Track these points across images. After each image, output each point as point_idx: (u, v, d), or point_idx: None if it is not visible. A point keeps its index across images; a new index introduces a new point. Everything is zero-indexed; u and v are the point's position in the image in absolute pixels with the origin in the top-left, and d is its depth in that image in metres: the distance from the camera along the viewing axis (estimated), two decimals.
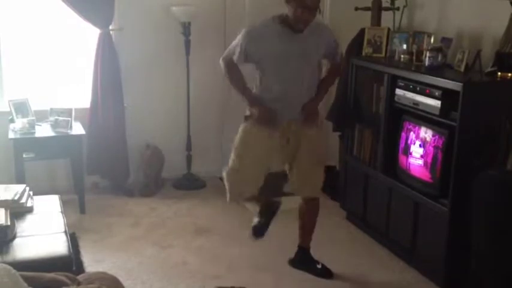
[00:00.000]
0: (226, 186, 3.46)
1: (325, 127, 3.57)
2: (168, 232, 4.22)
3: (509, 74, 3.33)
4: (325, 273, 3.63)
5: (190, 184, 5.07)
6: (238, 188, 3.43)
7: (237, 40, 3.33)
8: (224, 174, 3.47)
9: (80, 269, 3.38)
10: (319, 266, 3.65)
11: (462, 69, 3.53)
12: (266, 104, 3.34)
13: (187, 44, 4.85)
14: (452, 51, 3.74)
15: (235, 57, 3.32)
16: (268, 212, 3.51)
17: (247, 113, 3.44)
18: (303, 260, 3.70)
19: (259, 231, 3.50)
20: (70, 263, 2.90)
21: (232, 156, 3.45)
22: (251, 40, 3.27)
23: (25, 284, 2.00)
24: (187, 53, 4.87)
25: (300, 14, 3.16)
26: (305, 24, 3.22)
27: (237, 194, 3.47)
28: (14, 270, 2.00)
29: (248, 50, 3.27)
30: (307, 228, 3.69)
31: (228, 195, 3.48)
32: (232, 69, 3.39)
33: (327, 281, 3.59)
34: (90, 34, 4.71)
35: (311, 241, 3.71)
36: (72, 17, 4.60)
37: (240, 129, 3.45)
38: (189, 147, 5.08)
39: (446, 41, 3.78)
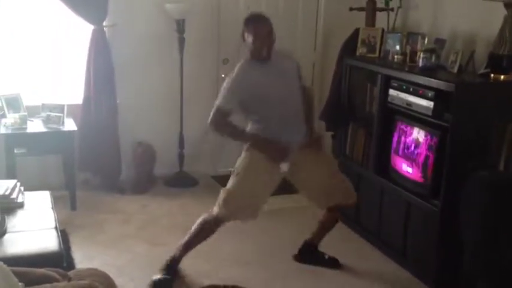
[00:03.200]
0: (222, 204, 3.38)
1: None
2: (159, 230, 4.21)
3: (502, 76, 3.34)
4: (333, 263, 3.72)
5: (182, 182, 5.06)
6: (236, 212, 3.39)
7: (225, 92, 3.29)
8: (225, 192, 3.40)
9: (71, 265, 3.37)
10: (326, 257, 3.74)
11: (455, 70, 3.54)
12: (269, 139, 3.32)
13: (181, 41, 4.84)
14: (445, 52, 3.76)
15: (226, 106, 3.26)
16: (174, 272, 3.50)
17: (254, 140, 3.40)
18: (311, 253, 3.76)
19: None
20: (61, 259, 2.90)
21: (236, 179, 3.39)
22: (239, 85, 3.27)
23: (16, 279, 1.99)
24: (181, 50, 4.86)
25: (258, 45, 3.23)
26: (267, 51, 3.26)
27: (235, 216, 3.42)
28: (4, 265, 1.99)
29: (239, 94, 3.26)
30: (324, 229, 3.73)
31: (220, 211, 3.38)
32: (224, 122, 3.30)
33: (318, 280, 3.60)
34: (83, 30, 4.68)
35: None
36: (65, 13, 4.57)
37: (245, 154, 3.40)
38: (181, 145, 5.07)
39: (440, 42, 3.80)
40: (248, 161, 3.39)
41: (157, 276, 3.45)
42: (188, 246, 3.50)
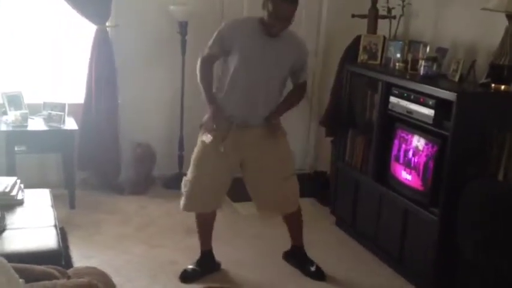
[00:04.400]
0: (184, 195, 3.46)
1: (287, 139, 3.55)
2: (157, 231, 4.21)
3: (503, 86, 3.36)
4: (318, 275, 3.64)
5: (181, 183, 5.04)
6: (199, 198, 3.44)
7: (216, 32, 3.32)
8: (183, 184, 3.47)
9: (69, 264, 3.36)
10: (313, 269, 3.66)
11: (456, 79, 3.56)
12: (226, 106, 3.32)
13: (184, 43, 4.85)
14: (447, 61, 3.78)
15: (209, 45, 3.28)
16: (206, 266, 3.58)
17: (204, 119, 3.42)
18: (297, 257, 3.73)
19: (187, 277, 3.51)
20: (59, 258, 2.90)
21: (191, 168, 3.46)
22: (230, 28, 3.29)
23: (16, 275, 1.99)
24: (183, 52, 4.87)
25: (272, 22, 3.18)
26: (276, 31, 3.22)
27: (197, 205, 3.47)
28: (5, 261, 1.99)
29: (226, 36, 3.25)
30: (294, 230, 3.71)
31: (183, 202, 3.47)
32: (205, 67, 3.35)
33: (313, 284, 3.60)
34: (86, 30, 4.69)
35: (303, 239, 3.73)
36: (69, 12, 4.58)
37: (198, 140, 3.44)
38: (181, 147, 5.07)
39: (441, 50, 3.82)
40: (198, 144, 3.42)
41: (189, 266, 3.57)
42: (199, 239, 3.64)
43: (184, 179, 3.49)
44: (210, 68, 3.37)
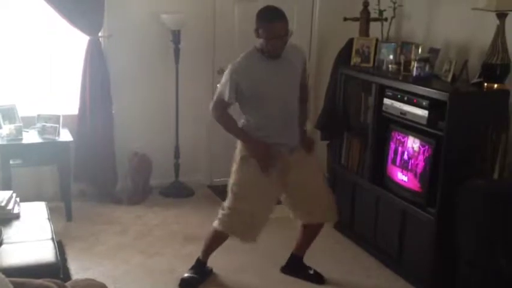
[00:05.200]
0: (238, 229, 3.37)
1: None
2: (155, 240, 4.20)
3: (495, 85, 3.38)
4: (317, 278, 3.65)
5: (178, 192, 5.06)
6: (251, 229, 3.38)
7: (225, 80, 3.24)
8: (225, 208, 3.38)
9: (67, 276, 3.35)
10: (311, 272, 3.67)
11: (449, 79, 3.57)
12: (268, 139, 3.28)
13: (177, 52, 4.85)
14: (439, 62, 3.79)
15: (226, 97, 3.22)
16: (202, 272, 3.58)
17: (239, 153, 3.37)
18: (295, 267, 3.71)
19: (188, 285, 3.52)
20: (57, 271, 2.89)
21: (233, 198, 3.35)
22: (240, 73, 3.21)
23: None
24: (177, 61, 4.87)
25: (272, 44, 3.15)
26: (279, 51, 3.20)
27: (252, 235, 3.40)
28: (2, 275, 1.98)
29: (240, 83, 3.19)
30: (306, 240, 3.68)
31: (223, 225, 3.39)
32: (224, 114, 3.30)
33: (315, 287, 3.60)
34: (79, 41, 4.69)
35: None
36: (61, 23, 4.58)
37: (238, 169, 3.35)
38: (177, 155, 5.07)
39: (433, 51, 3.83)
40: (241, 175, 3.34)
41: (186, 274, 3.56)
42: (206, 251, 3.60)
43: (227, 206, 3.37)
44: (228, 114, 3.32)
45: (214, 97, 3.35)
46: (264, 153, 3.27)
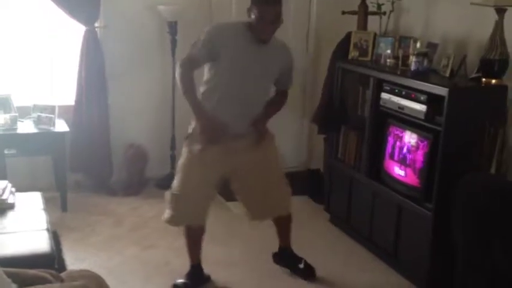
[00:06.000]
0: (169, 207, 3.33)
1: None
2: (150, 232, 4.19)
3: (493, 80, 3.37)
4: (308, 273, 3.61)
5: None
6: (184, 213, 3.33)
7: (202, 38, 3.11)
8: (168, 194, 3.34)
9: (62, 267, 3.33)
10: (301, 266, 3.62)
11: (447, 74, 3.56)
12: (217, 116, 3.17)
13: (174, 43, 4.83)
14: (437, 56, 3.78)
15: (196, 47, 3.09)
16: (196, 280, 3.47)
17: (190, 130, 3.32)
18: (285, 257, 3.68)
19: None
20: (52, 261, 2.88)
21: (177, 180, 3.31)
22: (220, 32, 3.13)
23: (8, 279, 1.97)
24: (174, 52, 4.85)
25: (261, 26, 3.08)
26: (267, 35, 3.12)
27: (185, 217, 3.36)
28: None
29: (215, 40, 3.07)
30: (283, 232, 3.65)
31: (168, 215, 3.34)
32: (188, 75, 3.14)
33: (307, 281, 3.59)
34: (75, 31, 4.66)
35: (290, 239, 3.67)
36: (57, 13, 4.55)
37: (183, 151, 3.32)
38: (173, 146, 5.06)
39: (432, 46, 3.82)
40: (185, 156, 3.29)
41: (179, 280, 3.46)
42: (189, 252, 3.50)
43: (170, 191, 3.33)
44: (192, 77, 3.16)
45: (186, 54, 3.19)
46: (209, 125, 3.16)
